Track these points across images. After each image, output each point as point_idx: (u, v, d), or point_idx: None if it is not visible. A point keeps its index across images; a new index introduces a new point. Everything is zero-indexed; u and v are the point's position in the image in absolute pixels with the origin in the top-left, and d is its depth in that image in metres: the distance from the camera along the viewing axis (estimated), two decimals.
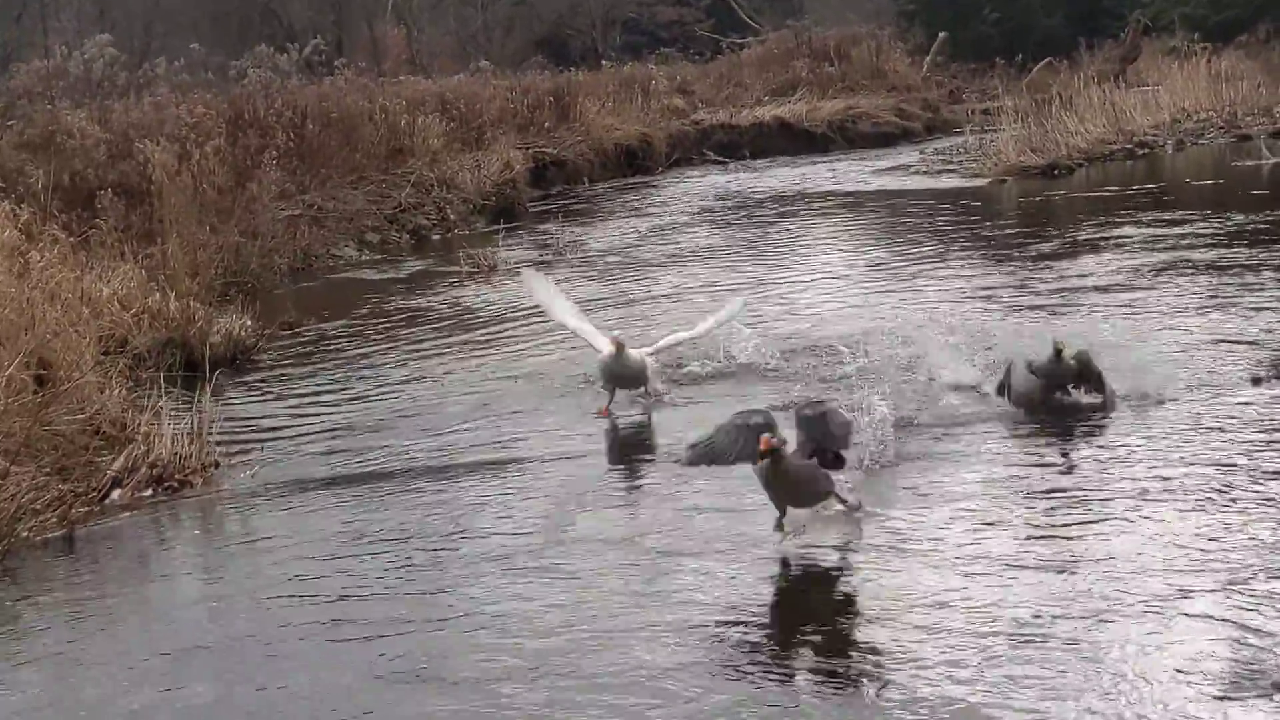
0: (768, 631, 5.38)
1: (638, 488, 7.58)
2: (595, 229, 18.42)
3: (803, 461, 5.86)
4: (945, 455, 7.28)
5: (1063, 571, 5.56)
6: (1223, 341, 9.21)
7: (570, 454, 8.02)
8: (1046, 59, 29.22)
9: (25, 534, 6.79)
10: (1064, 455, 7.40)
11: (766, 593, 5.81)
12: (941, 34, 32.06)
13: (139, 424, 8.17)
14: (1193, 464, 6.85)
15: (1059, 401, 7.88)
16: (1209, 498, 6.31)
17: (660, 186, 22.44)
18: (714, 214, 19.14)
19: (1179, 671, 4.58)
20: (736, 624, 5.27)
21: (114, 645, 5.62)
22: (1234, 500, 6.27)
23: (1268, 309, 10.08)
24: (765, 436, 5.56)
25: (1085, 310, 10.93)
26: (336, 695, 4.89)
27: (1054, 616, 5.05)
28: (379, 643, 5.30)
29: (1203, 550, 5.63)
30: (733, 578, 5.76)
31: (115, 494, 7.57)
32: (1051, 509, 6.38)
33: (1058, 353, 7.60)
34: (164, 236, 13.03)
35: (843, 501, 6.11)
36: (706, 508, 6.65)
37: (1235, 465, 6.78)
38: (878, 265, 14.37)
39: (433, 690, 4.91)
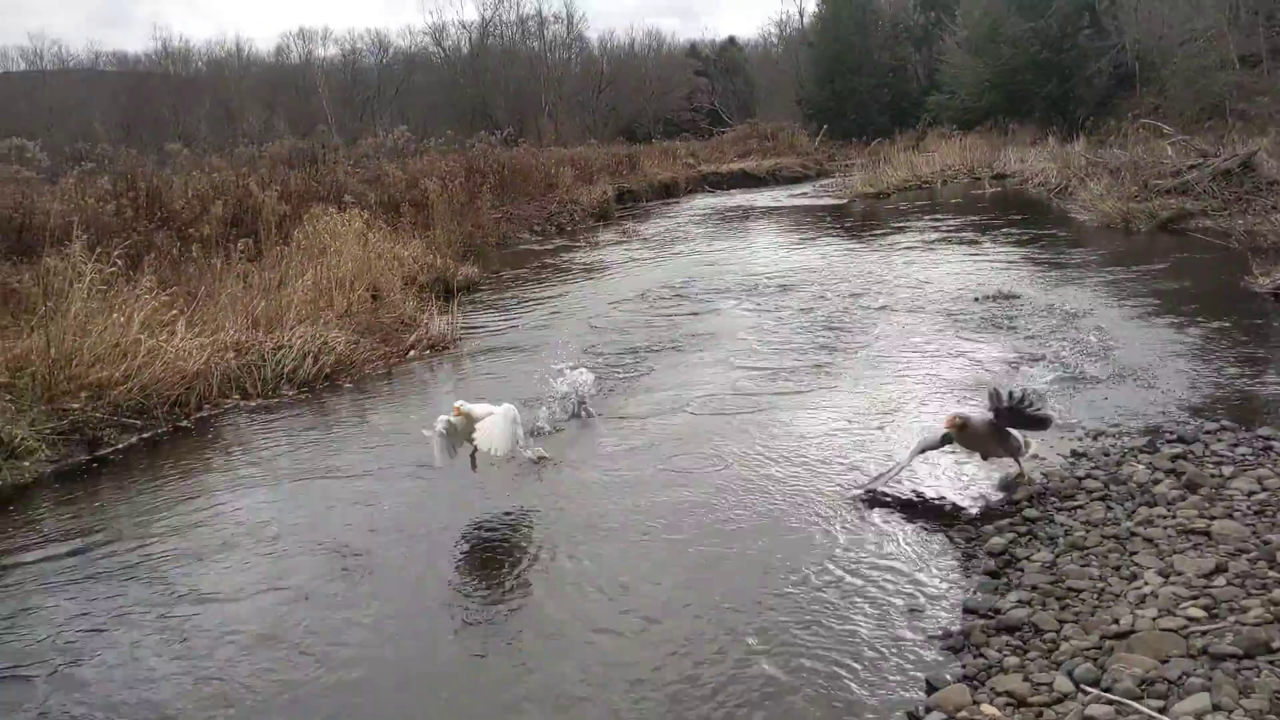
0: None
1: None
2: (648, 224, 23.68)
3: None
4: None
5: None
6: (961, 274, 13.58)
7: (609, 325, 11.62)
8: (879, 139, 38.99)
9: (368, 371, 10.03)
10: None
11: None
12: (824, 125, 43.19)
13: (422, 319, 11.63)
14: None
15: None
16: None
17: (681, 203, 28.72)
18: (708, 216, 24.94)
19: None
20: None
21: (415, 409, 8.73)
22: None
23: (983, 259, 14.96)
24: None
25: (895, 256, 15.84)
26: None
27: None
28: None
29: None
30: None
31: (411, 353, 10.70)
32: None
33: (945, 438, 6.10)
34: (434, 227, 17.23)
35: None
36: None
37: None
38: (790, 238, 19.56)
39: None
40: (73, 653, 4.77)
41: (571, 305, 13.14)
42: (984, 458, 6.24)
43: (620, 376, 9.18)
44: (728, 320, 11.58)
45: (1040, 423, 5.99)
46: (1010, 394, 5.87)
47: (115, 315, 8.92)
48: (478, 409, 6.11)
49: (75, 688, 4.47)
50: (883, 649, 4.36)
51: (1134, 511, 5.37)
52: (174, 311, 9.65)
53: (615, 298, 13.41)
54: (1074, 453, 6.44)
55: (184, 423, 8.50)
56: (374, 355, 10.33)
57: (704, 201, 28.90)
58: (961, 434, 5.97)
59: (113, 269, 9.90)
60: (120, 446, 7.96)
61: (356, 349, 10.21)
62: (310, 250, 12.94)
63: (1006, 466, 6.15)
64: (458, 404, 6.13)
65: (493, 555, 5.63)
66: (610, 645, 4.54)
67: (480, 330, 11.83)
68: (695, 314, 12.03)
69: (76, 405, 8.04)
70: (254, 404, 9.01)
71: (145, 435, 8.19)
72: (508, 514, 6.20)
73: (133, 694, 4.40)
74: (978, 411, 6.05)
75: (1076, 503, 5.61)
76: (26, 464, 7.36)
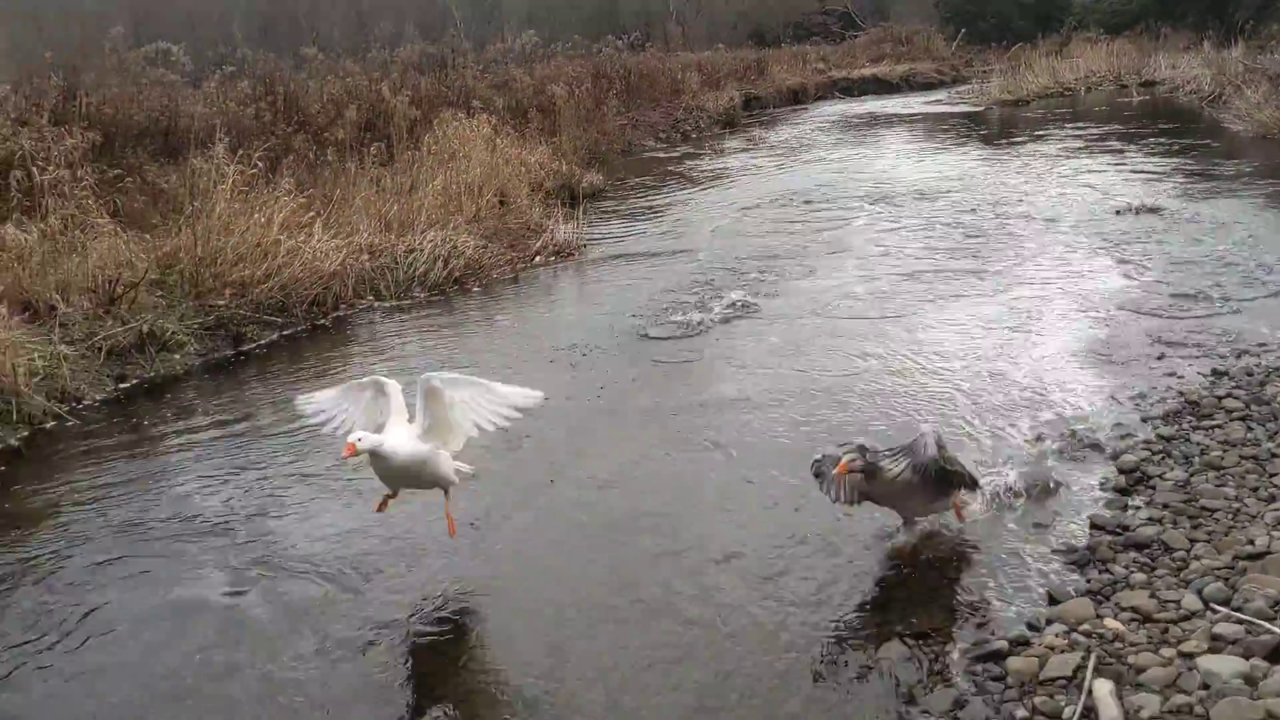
0: None
1: None
2: (775, 131, 22.86)
3: None
4: None
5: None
6: (1103, 185, 13.09)
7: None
8: (1019, 43, 34.78)
9: (495, 275, 10.21)
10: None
11: None
12: (962, 29, 39.73)
13: (548, 225, 11.45)
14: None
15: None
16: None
17: (810, 110, 27.58)
18: (837, 123, 23.78)
19: None
20: None
21: (542, 313, 9.17)
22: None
23: (1126, 165, 14.83)
24: None
25: (1033, 165, 15.22)
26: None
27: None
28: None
29: None
30: None
31: (537, 259, 10.81)
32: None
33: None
34: (560, 133, 16.98)
35: None
36: None
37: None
38: (922, 146, 18.96)
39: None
40: (257, 517, 5.22)
41: (697, 213, 13.07)
42: (902, 517, 4.59)
43: (752, 283, 9.17)
44: (858, 228, 11.42)
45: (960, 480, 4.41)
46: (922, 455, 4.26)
47: (256, 216, 9.26)
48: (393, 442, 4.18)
49: (269, 542, 4.96)
50: (1005, 559, 4.35)
51: (1276, 433, 5.20)
52: (311, 213, 9.94)
53: (741, 205, 13.30)
54: (1215, 371, 6.23)
55: (322, 321, 8.85)
56: (501, 260, 10.53)
57: (834, 108, 28.15)
58: (870, 483, 4.36)
59: (253, 171, 10.24)
60: (263, 342, 8.35)
61: (485, 253, 10.41)
62: (440, 155, 13.14)
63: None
64: (353, 439, 4.07)
65: (633, 447, 5.83)
66: (743, 562, 4.62)
67: (605, 238, 11.88)
68: (825, 222, 11.87)
69: (222, 302, 8.42)
70: (388, 305, 9.31)
71: (286, 332, 8.57)
72: (648, 407, 6.40)
73: (320, 546, 4.86)
74: (900, 463, 4.29)
75: (1215, 422, 5.45)
76: (177, 357, 7.78)
